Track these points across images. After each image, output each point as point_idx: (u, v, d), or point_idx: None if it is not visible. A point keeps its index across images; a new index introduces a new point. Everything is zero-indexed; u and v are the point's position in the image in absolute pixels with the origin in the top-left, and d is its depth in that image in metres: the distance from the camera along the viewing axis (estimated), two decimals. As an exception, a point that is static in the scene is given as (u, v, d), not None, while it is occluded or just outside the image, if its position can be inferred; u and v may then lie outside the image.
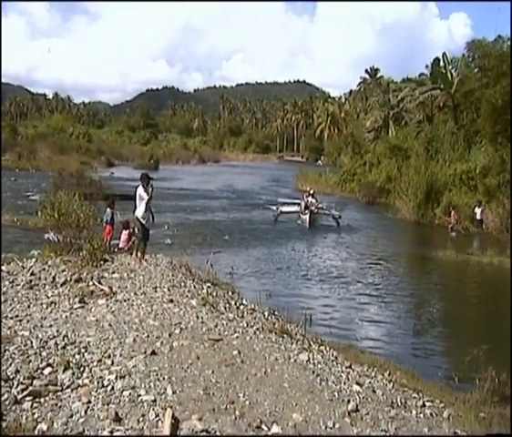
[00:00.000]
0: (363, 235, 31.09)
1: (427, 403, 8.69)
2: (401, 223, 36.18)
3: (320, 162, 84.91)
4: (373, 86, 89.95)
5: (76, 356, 7.84)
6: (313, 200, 35.04)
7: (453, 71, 49.57)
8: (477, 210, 32.85)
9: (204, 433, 5.82)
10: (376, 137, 62.41)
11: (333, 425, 6.61)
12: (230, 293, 14.83)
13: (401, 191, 39.28)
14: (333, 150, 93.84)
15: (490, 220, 32.86)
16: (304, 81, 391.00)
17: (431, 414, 8.18)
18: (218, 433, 5.86)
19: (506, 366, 10.69)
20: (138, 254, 15.10)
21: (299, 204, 36.74)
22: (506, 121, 33.99)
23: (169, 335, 9.07)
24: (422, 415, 7.98)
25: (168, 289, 12.56)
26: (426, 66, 57.28)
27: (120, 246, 17.42)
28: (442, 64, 50.36)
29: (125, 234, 17.45)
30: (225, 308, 12.42)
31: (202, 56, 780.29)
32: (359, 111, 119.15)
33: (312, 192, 36.15)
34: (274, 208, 37.75)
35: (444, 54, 50.48)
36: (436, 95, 51.57)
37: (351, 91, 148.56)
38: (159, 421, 5.97)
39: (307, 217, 32.70)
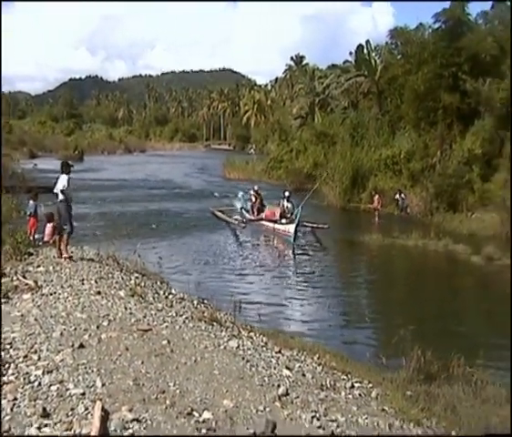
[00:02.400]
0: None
1: (356, 384, 8.98)
2: (328, 209, 36.50)
3: (252, 150, 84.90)
4: (299, 73, 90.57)
5: (1, 353, 7.60)
6: (290, 205, 28.36)
7: (376, 58, 50.53)
8: (398, 197, 33.53)
9: (135, 423, 5.74)
10: (303, 124, 62.87)
11: (264, 409, 6.66)
12: (158, 283, 14.73)
13: (327, 177, 39.60)
14: (260, 138, 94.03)
15: (415, 204, 33.56)
16: (230, 69, 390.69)
17: (360, 395, 8.48)
18: (149, 422, 5.79)
19: (431, 345, 11.02)
20: (64, 246, 14.59)
21: (241, 206, 32.61)
22: (428, 107, 34.75)
23: (97, 327, 8.91)
24: (351, 396, 8.25)
25: (96, 281, 12.34)
26: (350, 53, 58.19)
27: (45, 239, 16.93)
28: (366, 51, 51.15)
29: (49, 227, 16.95)
30: (154, 298, 12.34)
31: (125, 45, 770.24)
32: (285, 98, 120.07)
33: (287, 194, 29.12)
34: (211, 208, 33.20)
35: (367, 41, 51.35)
36: (361, 81, 52.29)
37: (277, 78, 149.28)
38: (89, 415, 5.84)
39: (291, 228, 25.14)
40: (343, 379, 9.19)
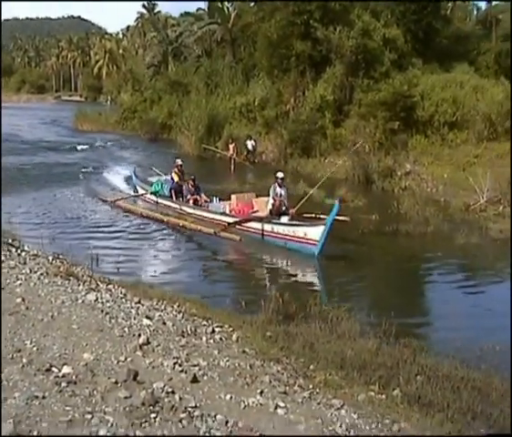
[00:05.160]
0: (148, 172, 30.64)
1: (217, 329, 9.06)
2: (185, 158, 36.16)
3: (108, 102, 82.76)
4: (151, 21, 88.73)
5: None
6: (284, 192, 18.11)
7: (229, 6, 50.37)
8: (248, 143, 33.83)
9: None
10: (156, 73, 61.96)
11: (126, 360, 6.63)
12: (9, 241, 14.01)
13: (182, 126, 39.40)
14: (113, 88, 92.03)
15: (270, 151, 34.05)
16: (79, 17, 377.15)
17: (220, 339, 8.58)
18: (4, 382, 5.50)
19: (289, 287, 11.35)
20: None
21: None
22: (281, 54, 35.11)
23: None
24: (212, 340, 8.36)
25: None
26: (203, 0, 57.70)
27: None
28: (218, -2, 51.00)
29: None
30: (5, 256, 11.72)
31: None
32: (137, 47, 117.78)
33: (280, 176, 18.05)
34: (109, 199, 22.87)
35: (219, -12, 51.08)
36: (214, 29, 52.20)
37: (128, 27, 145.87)
38: None
39: (314, 232, 15.91)
40: (204, 324, 9.26)
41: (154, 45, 72.54)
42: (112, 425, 4.91)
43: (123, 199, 22.58)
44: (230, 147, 33.11)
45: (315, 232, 15.83)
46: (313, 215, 17.61)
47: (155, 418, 5.14)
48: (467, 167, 25.24)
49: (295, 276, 15.26)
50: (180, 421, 5.20)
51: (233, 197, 19.57)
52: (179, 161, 22.81)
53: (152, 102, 51.78)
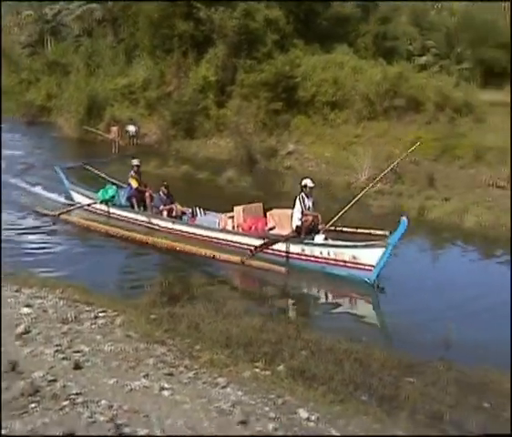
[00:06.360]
0: (26, 155, 29.39)
1: (100, 314, 9.02)
2: (65, 141, 35.22)
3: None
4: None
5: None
6: (311, 204, 14.72)
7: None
8: (129, 128, 33.09)
9: None
10: (33, 53, 59.76)
11: (4, 350, 6.40)
12: None
13: (62, 108, 38.29)
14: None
15: (153, 132, 33.63)
16: None
17: (104, 324, 8.55)
18: None
19: (173, 271, 11.34)
20: None
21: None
22: (163, 34, 34.80)
23: None
24: (95, 326, 8.32)
25: None
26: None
27: None
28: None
29: None
30: None
31: None
32: (11, 26, 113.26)
33: (310, 185, 14.71)
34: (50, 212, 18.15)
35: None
36: (94, 8, 50.86)
37: (0, 4, 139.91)
38: None
39: (370, 255, 12.85)
40: (87, 310, 9.15)
41: (30, 23, 69.87)
42: (-11, 418, 4.68)
43: (68, 212, 18.04)
44: (113, 129, 32.36)
45: (370, 255, 12.86)
46: (336, 228, 14.60)
47: (35, 408, 5.00)
48: (348, 146, 26.08)
49: (182, 260, 15.11)
50: (62, 408, 5.07)
51: (238, 209, 15.85)
52: (135, 161, 18.55)
53: (29, 83, 49.98)
